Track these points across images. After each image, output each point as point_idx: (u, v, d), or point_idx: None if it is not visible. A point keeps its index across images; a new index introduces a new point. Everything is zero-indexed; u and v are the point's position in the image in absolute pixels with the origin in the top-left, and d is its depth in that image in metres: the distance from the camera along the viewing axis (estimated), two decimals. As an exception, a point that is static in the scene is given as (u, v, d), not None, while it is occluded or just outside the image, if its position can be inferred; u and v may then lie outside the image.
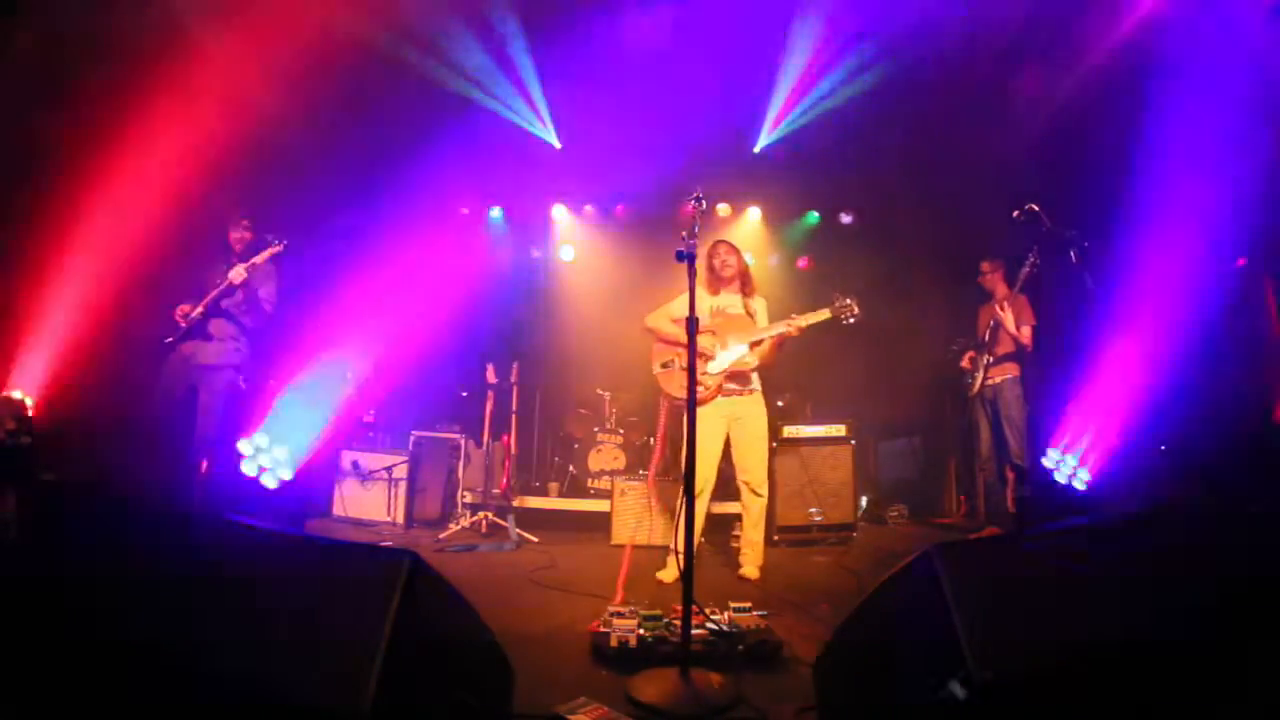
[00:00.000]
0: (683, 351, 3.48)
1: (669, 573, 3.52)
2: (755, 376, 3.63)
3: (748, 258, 6.05)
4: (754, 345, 3.53)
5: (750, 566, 3.59)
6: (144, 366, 3.87)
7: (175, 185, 4.00)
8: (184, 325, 3.82)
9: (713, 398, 3.52)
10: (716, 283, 3.69)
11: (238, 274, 3.78)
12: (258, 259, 3.85)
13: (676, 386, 3.59)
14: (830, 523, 4.50)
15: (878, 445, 5.74)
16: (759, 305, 3.72)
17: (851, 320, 3.38)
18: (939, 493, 5.80)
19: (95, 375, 3.74)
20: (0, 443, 2.80)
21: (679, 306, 3.63)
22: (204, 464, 3.83)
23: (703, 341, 3.48)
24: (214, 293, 3.82)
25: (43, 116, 3.59)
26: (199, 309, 3.82)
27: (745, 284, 3.71)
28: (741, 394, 3.57)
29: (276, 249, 3.92)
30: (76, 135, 3.64)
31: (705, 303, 3.62)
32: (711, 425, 3.49)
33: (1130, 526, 1.69)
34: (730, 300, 3.68)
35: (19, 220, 3.59)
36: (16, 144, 3.51)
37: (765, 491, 3.64)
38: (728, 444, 3.58)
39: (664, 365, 3.67)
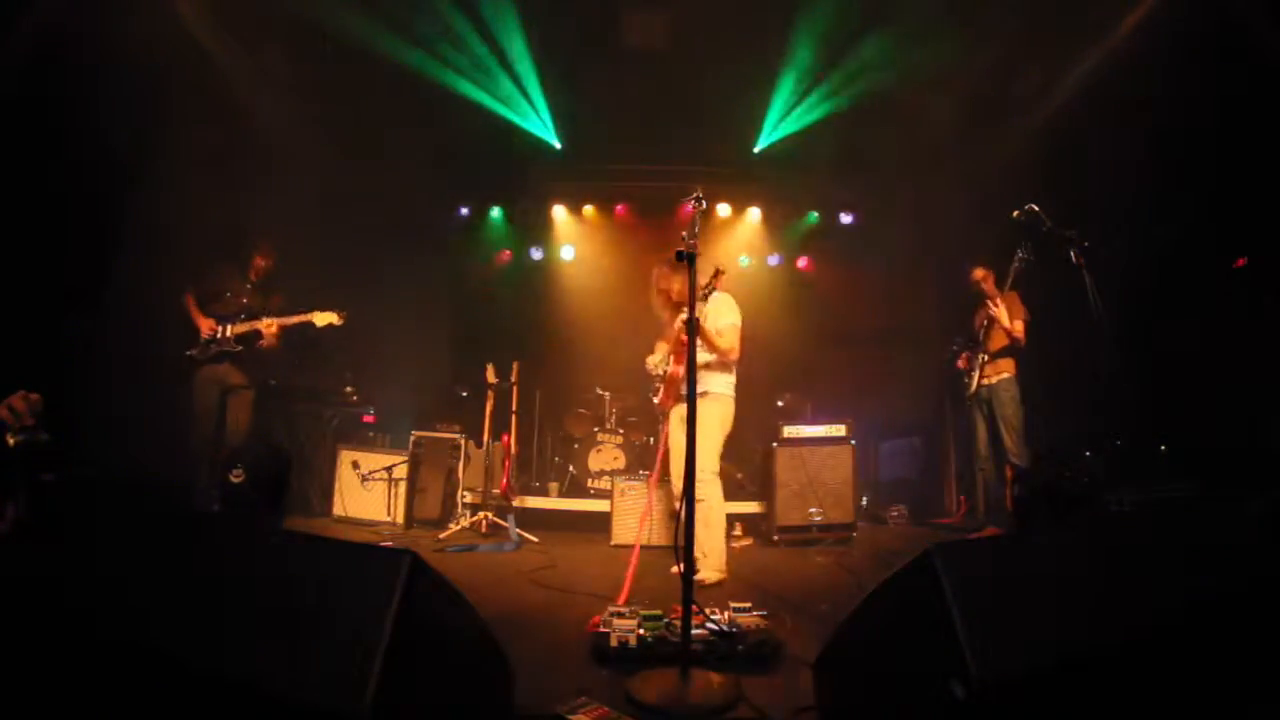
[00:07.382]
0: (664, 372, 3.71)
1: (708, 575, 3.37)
2: (700, 379, 3.29)
3: (743, 260, 6.05)
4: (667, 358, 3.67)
5: (706, 569, 3.33)
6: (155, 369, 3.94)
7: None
8: (214, 349, 4.15)
9: (672, 404, 3.66)
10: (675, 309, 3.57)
11: (269, 331, 4.16)
12: (290, 321, 4.18)
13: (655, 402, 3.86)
14: (830, 523, 4.49)
15: (878, 445, 5.73)
16: (708, 309, 3.45)
17: (711, 286, 3.16)
18: (939, 493, 5.80)
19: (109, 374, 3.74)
20: (19, 440, 2.74)
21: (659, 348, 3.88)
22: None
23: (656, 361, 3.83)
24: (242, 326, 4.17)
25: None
26: (229, 332, 4.14)
27: (680, 303, 3.44)
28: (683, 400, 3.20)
29: (327, 320, 4.21)
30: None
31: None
32: (680, 429, 3.46)
33: (1129, 525, 1.69)
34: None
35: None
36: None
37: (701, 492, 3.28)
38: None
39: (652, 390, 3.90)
